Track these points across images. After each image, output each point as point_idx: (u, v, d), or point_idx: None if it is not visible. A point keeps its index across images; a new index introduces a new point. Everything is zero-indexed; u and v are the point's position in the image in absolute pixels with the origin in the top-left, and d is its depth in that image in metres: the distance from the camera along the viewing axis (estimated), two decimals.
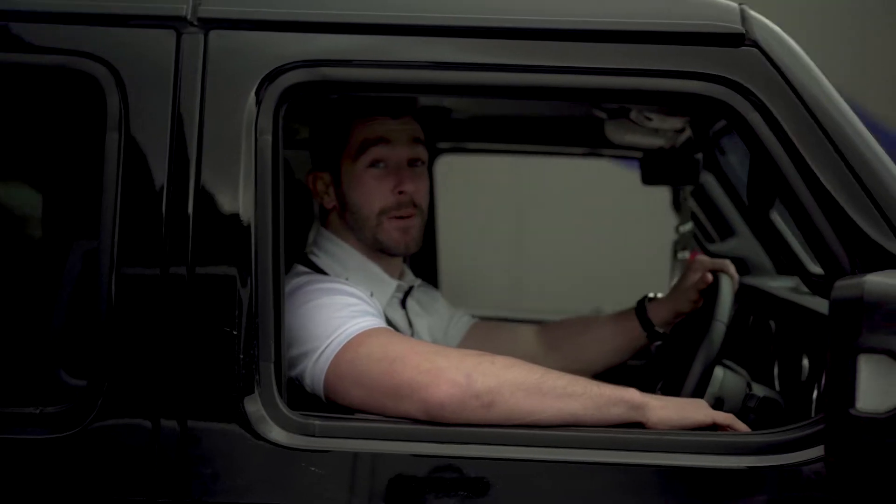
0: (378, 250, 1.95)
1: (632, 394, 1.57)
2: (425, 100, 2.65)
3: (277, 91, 1.54)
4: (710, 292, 2.02)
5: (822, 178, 1.49)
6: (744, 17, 1.54)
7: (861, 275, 1.35)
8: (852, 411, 1.31)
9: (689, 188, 3.15)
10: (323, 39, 1.55)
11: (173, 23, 1.54)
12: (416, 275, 2.16)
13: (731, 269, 2.05)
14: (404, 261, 2.14)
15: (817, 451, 1.43)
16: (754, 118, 1.51)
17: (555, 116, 2.92)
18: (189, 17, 1.55)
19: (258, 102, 1.53)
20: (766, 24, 1.55)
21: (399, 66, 1.55)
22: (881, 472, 1.36)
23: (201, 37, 1.54)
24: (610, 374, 2.18)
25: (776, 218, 2.08)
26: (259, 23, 1.55)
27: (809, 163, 1.49)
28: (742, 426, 1.58)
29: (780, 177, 1.52)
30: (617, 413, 1.55)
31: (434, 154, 3.34)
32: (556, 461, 1.50)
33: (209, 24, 1.54)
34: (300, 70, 1.54)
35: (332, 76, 1.55)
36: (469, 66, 1.55)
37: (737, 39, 1.52)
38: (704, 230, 3.26)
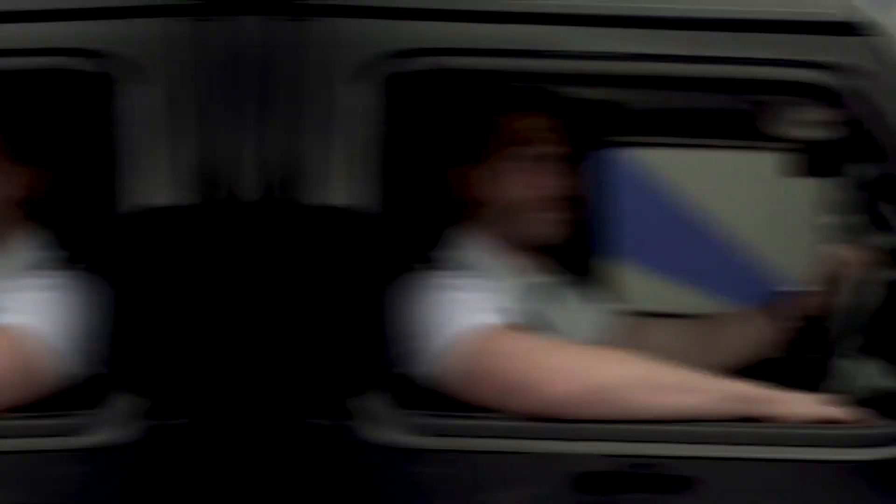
0: (515, 245, 1.94)
1: (750, 388, 1.54)
2: (589, 93, 2.63)
3: (380, 79, 1.52)
4: (838, 284, 1.98)
5: None
6: (857, 8, 1.53)
7: None
8: None
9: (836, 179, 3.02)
10: (441, 28, 1.54)
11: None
12: (569, 268, 2.15)
13: (861, 258, 1.98)
14: (554, 254, 2.13)
15: None
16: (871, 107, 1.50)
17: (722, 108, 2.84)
18: None
19: (358, 92, 1.51)
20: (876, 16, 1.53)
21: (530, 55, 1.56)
22: None
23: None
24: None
25: None
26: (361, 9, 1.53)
27: None
28: (863, 419, 1.54)
29: None
30: (736, 408, 1.53)
31: (604, 148, 3.31)
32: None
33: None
34: (409, 59, 1.52)
35: (450, 65, 1.55)
36: (571, 54, 1.55)
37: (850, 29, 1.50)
38: (875, 222, 3.11)
